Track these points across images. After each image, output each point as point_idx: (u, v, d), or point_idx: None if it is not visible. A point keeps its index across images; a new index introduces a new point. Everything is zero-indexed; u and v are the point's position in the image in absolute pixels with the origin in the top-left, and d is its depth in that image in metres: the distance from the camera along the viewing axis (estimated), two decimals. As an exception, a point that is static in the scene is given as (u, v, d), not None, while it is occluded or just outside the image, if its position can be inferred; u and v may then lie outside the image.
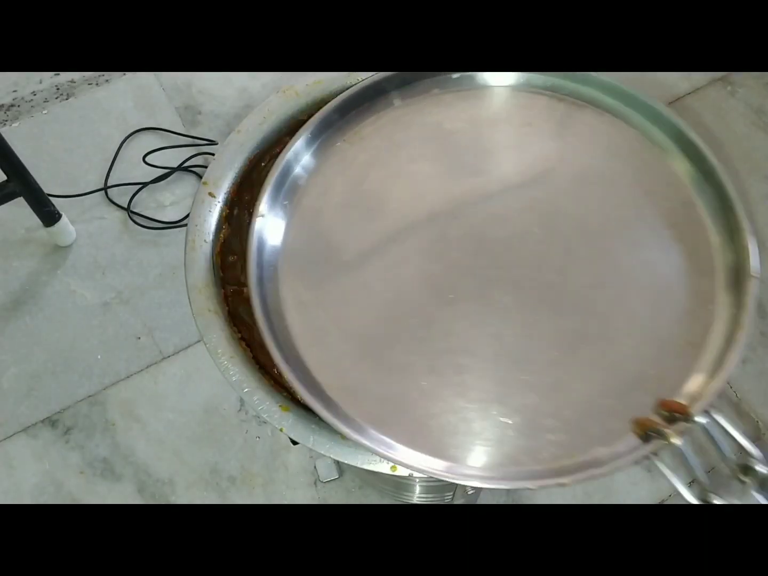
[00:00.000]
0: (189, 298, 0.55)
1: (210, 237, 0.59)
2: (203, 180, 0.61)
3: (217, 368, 0.53)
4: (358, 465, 0.49)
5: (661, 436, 0.41)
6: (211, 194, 0.61)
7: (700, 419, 0.42)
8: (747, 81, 1.27)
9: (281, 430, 0.51)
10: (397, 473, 0.49)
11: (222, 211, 0.61)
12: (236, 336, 0.55)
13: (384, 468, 0.49)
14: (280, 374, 0.59)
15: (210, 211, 0.60)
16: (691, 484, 0.41)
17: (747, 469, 0.41)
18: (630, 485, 0.93)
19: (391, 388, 0.50)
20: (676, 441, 0.40)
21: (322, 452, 0.50)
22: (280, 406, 0.52)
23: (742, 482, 0.41)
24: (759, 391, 0.99)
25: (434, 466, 0.47)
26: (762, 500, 0.40)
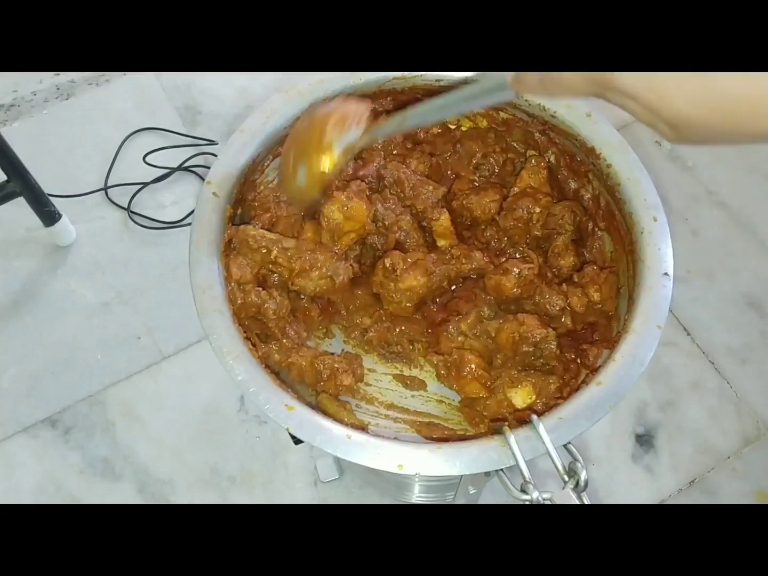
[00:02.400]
0: (194, 298, 0.55)
1: (214, 236, 0.59)
2: (207, 179, 0.61)
3: (222, 368, 0.52)
4: (365, 463, 0.49)
5: (500, 431, 0.51)
6: (214, 194, 0.60)
7: (537, 424, 0.50)
8: (747, 81, 1.27)
9: (287, 429, 0.51)
10: (402, 471, 0.49)
11: (226, 210, 0.61)
12: (242, 335, 0.55)
13: (390, 467, 0.49)
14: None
15: (214, 210, 0.60)
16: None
17: (572, 472, 0.48)
18: (630, 485, 0.93)
19: None
20: (507, 433, 0.50)
21: (329, 451, 0.50)
22: (286, 405, 0.52)
23: (564, 481, 0.48)
24: (759, 391, 0.99)
25: None
26: (574, 499, 0.48)
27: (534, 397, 0.57)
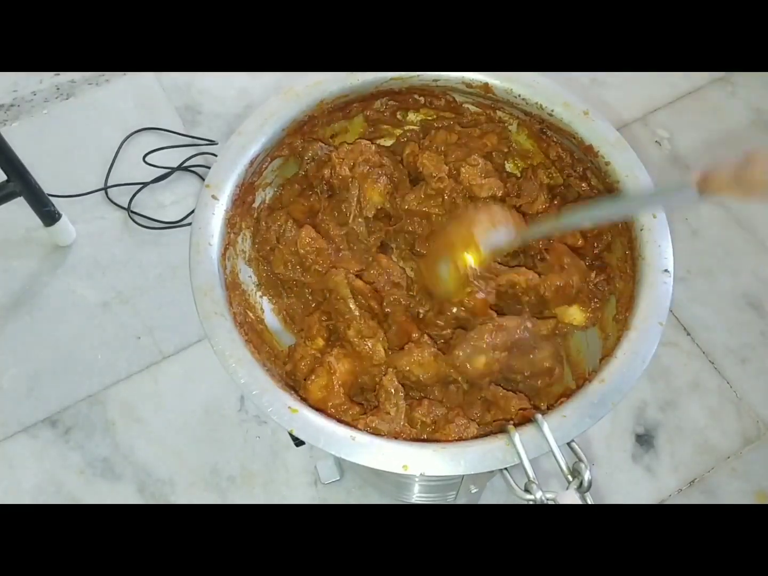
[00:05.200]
0: (195, 302, 0.55)
1: (214, 239, 0.59)
2: (206, 183, 0.61)
3: (225, 371, 0.52)
4: (369, 465, 0.49)
5: (505, 430, 0.51)
6: (214, 197, 0.61)
7: (541, 423, 0.50)
8: (747, 81, 1.27)
9: (291, 432, 0.51)
10: (407, 472, 0.49)
11: (225, 213, 0.61)
12: (243, 338, 0.55)
13: (395, 467, 0.49)
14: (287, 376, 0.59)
15: (213, 213, 0.60)
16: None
17: (576, 472, 0.48)
18: (630, 485, 0.93)
19: None
20: (512, 432, 0.50)
21: (333, 452, 0.50)
22: (289, 407, 0.52)
23: (568, 482, 0.48)
24: (759, 391, 0.99)
25: None
26: (577, 499, 0.47)
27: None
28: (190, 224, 0.60)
